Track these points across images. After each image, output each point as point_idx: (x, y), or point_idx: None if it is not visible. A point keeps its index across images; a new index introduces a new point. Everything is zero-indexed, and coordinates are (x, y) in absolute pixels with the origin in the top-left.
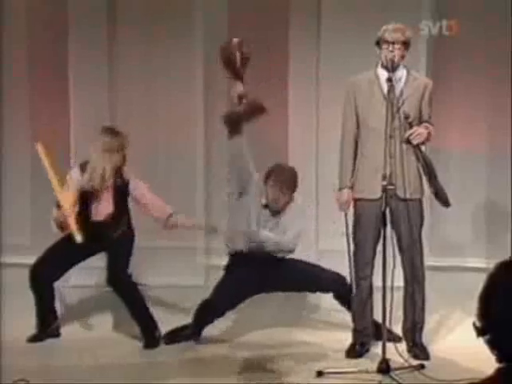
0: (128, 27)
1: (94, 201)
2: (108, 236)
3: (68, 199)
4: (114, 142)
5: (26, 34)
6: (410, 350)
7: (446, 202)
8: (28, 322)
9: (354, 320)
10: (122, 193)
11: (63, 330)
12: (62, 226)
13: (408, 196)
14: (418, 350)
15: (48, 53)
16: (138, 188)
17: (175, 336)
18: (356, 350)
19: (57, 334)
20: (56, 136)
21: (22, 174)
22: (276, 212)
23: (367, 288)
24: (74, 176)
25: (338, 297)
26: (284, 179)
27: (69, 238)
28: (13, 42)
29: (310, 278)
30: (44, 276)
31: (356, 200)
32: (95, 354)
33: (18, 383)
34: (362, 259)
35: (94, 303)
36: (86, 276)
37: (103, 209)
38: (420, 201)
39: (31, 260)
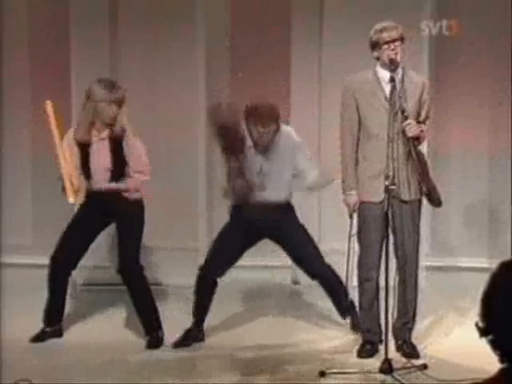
0: (130, 26)
1: (92, 156)
2: (115, 200)
3: (67, 161)
4: (105, 95)
5: (27, 33)
6: (399, 349)
7: (437, 203)
8: (29, 322)
9: (361, 320)
10: (118, 146)
11: (65, 330)
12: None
13: (412, 197)
14: (408, 348)
15: (49, 52)
16: (133, 145)
17: (183, 342)
18: (366, 350)
19: (59, 334)
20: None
21: (23, 173)
22: (265, 149)
23: (372, 289)
24: (70, 136)
25: (329, 292)
26: (262, 113)
27: (77, 218)
28: (14, 41)
29: (304, 253)
30: (63, 263)
31: (360, 203)
32: (97, 354)
33: (20, 383)
34: (367, 261)
35: (96, 303)
36: (89, 275)
37: (101, 163)
38: (420, 201)
39: (33, 260)
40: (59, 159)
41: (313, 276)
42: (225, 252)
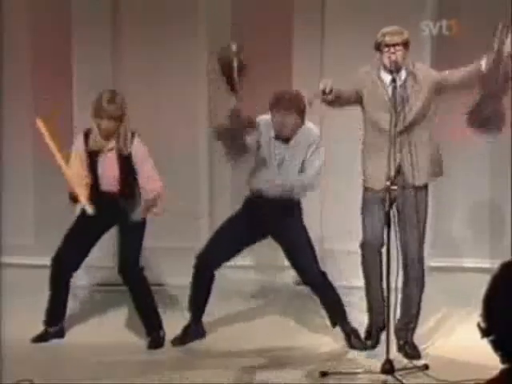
0: (132, 27)
1: (100, 164)
2: (120, 205)
3: (74, 171)
4: (102, 109)
5: (29, 33)
6: (400, 349)
7: (495, 130)
8: (30, 323)
9: (370, 314)
10: (125, 157)
11: (67, 330)
12: (74, 198)
13: (416, 184)
14: (409, 349)
15: (51, 52)
16: (139, 155)
17: (182, 339)
18: (372, 335)
19: (61, 335)
20: (59, 135)
21: (25, 173)
22: (286, 139)
23: (379, 282)
24: (79, 144)
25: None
26: (288, 100)
27: (81, 219)
28: (15, 41)
29: (302, 258)
30: (65, 264)
31: (365, 189)
32: (99, 354)
33: (22, 383)
34: (369, 252)
35: (97, 303)
36: (90, 276)
37: (109, 172)
38: (426, 187)
39: (34, 260)
40: (66, 173)
41: (306, 282)
42: (226, 243)
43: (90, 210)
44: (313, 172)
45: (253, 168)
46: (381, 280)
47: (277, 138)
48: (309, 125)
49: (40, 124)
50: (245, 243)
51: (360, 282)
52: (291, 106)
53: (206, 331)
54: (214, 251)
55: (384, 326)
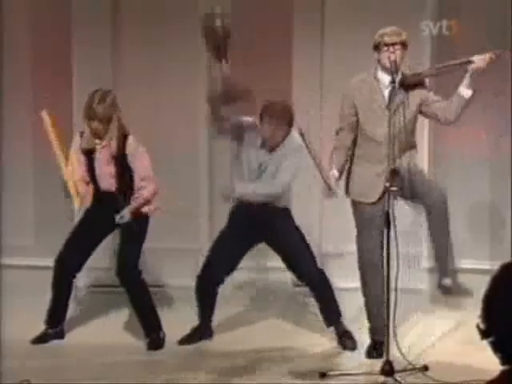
0: (132, 27)
1: (96, 162)
2: (120, 205)
3: (71, 169)
4: (91, 110)
5: (29, 33)
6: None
7: None
8: (30, 324)
9: (369, 321)
10: (120, 154)
11: (67, 331)
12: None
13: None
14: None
15: (51, 52)
16: (134, 154)
17: (190, 339)
18: (375, 350)
19: (61, 336)
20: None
21: (25, 174)
22: (272, 148)
23: (379, 289)
24: (75, 144)
25: (312, 289)
26: (278, 113)
27: (84, 221)
28: (14, 41)
29: (298, 258)
30: (69, 265)
31: (356, 203)
32: (99, 356)
33: (21, 383)
34: (368, 261)
35: (98, 304)
36: (91, 277)
37: (105, 168)
38: None
39: (35, 261)
40: (61, 167)
41: (304, 282)
42: (223, 260)
43: (77, 204)
44: (284, 180)
45: (236, 175)
46: (382, 291)
47: (262, 146)
48: (293, 133)
49: (45, 117)
50: (241, 254)
51: (359, 283)
52: (283, 117)
53: (213, 332)
54: (214, 269)
55: (383, 342)
